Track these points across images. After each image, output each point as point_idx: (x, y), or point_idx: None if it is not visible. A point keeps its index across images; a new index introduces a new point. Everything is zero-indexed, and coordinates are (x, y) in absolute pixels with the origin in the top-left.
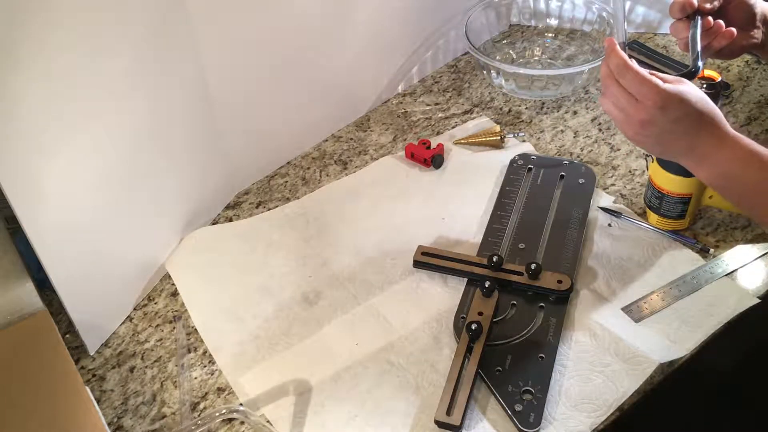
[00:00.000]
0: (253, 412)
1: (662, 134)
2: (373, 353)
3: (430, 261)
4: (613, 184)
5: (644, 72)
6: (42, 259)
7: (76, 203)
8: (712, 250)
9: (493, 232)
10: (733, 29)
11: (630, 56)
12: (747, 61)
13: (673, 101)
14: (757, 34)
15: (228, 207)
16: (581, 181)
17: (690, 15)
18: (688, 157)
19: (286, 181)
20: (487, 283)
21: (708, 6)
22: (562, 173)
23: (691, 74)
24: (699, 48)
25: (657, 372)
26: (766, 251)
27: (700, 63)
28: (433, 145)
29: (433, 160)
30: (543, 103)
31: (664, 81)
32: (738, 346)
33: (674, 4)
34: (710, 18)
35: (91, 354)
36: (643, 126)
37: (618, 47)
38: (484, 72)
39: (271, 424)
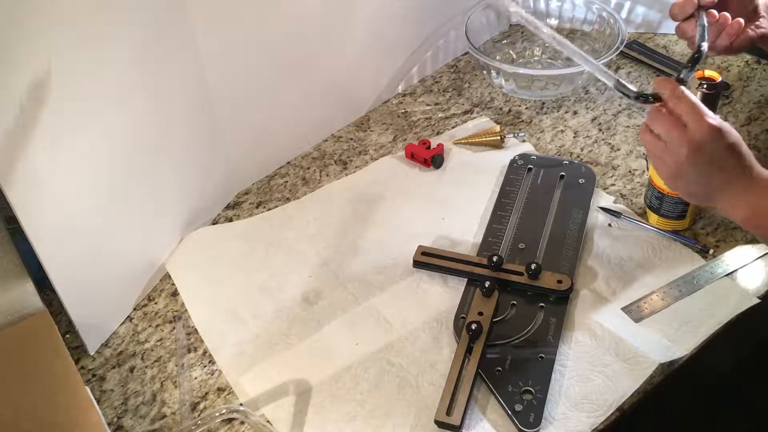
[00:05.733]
0: (253, 412)
1: (705, 168)
2: (373, 353)
3: (430, 261)
4: (613, 184)
5: (696, 101)
6: (42, 259)
7: (76, 203)
8: (712, 251)
9: (493, 232)
10: (741, 20)
11: (630, 59)
12: (747, 61)
13: (723, 133)
14: (764, 23)
15: (228, 207)
16: (581, 181)
17: (693, 14)
18: (722, 198)
19: (286, 181)
20: (487, 283)
21: (709, 0)
22: (562, 173)
23: (695, 60)
24: (706, 38)
25: (657, 372)
26: (766, 251)
27: (704, 44)
28: (433, 145)
29: (433, 160)
30: (543, 103)
31: None
32: (738, 346)
33: (674, 5)
34: (714, 11)
35: (91, 354)
36: (689, 157)
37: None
38: (484, 72)
39: (271, 424)
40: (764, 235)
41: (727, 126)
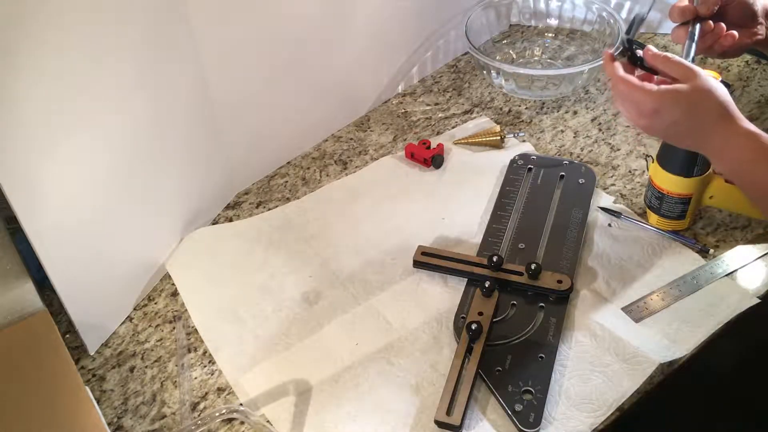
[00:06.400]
0: (253, 412)
1: (668, 135)
2: (373, 353)
3: (430, 261)
4: (613, 184)
5: (632, 80)
6: (42, 259)
7: (76, 203)
8: (712, 250)
9: (493, 232)
10: (735, 32)
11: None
12: (747, 61)
13: (666, 104)
14: (761, 30)
15: (228, 207)
16: (581, 181)
17: (690, 20)
18: (704, 152)
19: (286, 181)
20: (487, 283)
21: (706, 11)
22: (562, 173)
23: None
24: (693, 51)
25: (657, 372)
26: (766, 251)
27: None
28: (433, 145)
29: (433, 160)
30: (543, 103)
31: (669, 79)
32: (738, 346)
33: (673, 8)
34: (710, 21)
35: (91, 354)
36: (647, 130)
37: (614, 61)
38: (484, 72)
39: (271, 424)
40: (745, 192)
41: (666, 100)
